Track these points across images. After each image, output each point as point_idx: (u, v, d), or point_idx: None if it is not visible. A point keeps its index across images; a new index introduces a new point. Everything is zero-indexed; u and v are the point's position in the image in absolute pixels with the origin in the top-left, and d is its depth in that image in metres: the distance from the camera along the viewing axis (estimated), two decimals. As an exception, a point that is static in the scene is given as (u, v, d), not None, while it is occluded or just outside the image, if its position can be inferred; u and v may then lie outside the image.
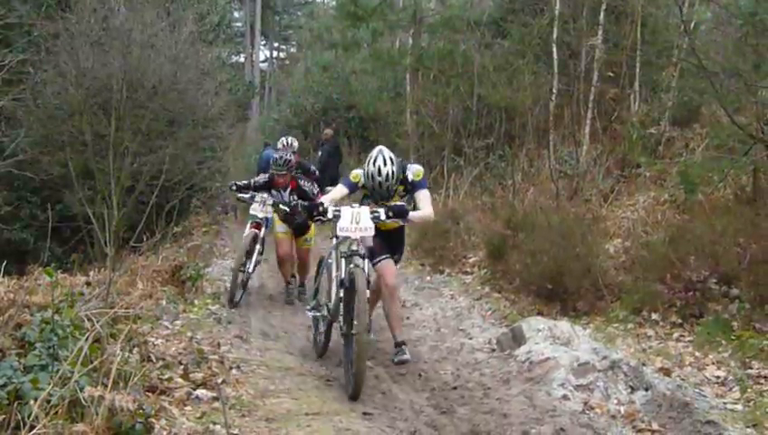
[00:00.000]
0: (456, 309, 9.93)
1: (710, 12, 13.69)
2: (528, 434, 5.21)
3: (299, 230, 10.65)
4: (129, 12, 13.43)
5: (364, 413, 5.70)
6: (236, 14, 48.31)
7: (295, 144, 13.27)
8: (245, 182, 10.87)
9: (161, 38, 13.87)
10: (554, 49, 14.99)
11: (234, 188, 10.80)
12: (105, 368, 4.53)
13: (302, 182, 10.45)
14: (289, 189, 10.43)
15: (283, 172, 10.22)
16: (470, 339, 8.41)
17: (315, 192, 10.46)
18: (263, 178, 10.70)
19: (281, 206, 10.32)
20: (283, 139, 13.48)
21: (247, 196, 10.58)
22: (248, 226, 10.43)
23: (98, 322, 4.98)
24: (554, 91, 14.71)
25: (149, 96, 13.08)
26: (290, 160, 10.33)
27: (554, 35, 15.04)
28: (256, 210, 10.40)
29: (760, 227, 7.77)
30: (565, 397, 5.96)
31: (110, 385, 4.30)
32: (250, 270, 10.29)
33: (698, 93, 12.67)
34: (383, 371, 7.14)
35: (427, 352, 7.94)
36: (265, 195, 10.49)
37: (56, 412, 3.99)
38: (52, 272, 6.41)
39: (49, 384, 4.11)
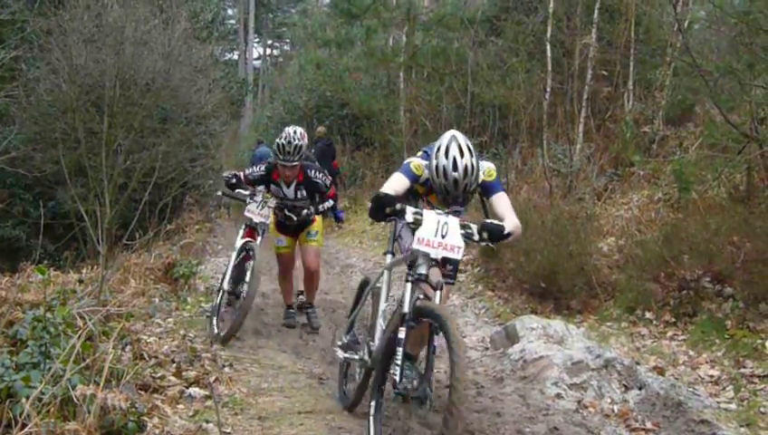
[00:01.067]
0: (448, 307, 9.91)
1: (704, 11, 13.71)
2: (522, 433, 5.20)
3: (300, 225, 8.38)
4: (123, 9, 13.41)
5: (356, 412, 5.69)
6: (230, 12, 48.37)
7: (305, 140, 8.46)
8: (238, 174, 8.36)
9: (154, 35, 13.86)
10: (548, 47, 14.98)
11: (230, 178, 8.26)
12: (97, 366, 4.51)
13: (311, 172, 8.13)
14: (295, 183, 8.16)
15: (294, 163, 7.88)
16: (463, 337, 8.39)
17: (328, 184, 8.28)
18: (259, 168, 8.29)
19: (287, 212, 8.17)
20: (290, 130, 8.39)
21: (247, 192, 8.19)
22: (240, 232, 8.32)
23: (90, 320, 4.96)
24: (548, 89, 14.70)
25: (142, 93, 13.07)
26: (302, 146, 7.84)
27: (548, 34, 15.03)
28: (253, 212, 8.14)
29: (754, 226, 7.78)
30: (559, 396, 5.96)
31: (102, 383, 4.28)
32: (244, 295, 7.51)
33: (692, 92, 12.69)
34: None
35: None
36: (264, 192, 8.35)
37: (48, 411, 3.98)
38: (45, 269, 6.41)
39: (41, 382, 4.10)
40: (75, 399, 4.08)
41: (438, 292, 4.61)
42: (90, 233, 10.66)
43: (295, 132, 7.97)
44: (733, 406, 5.65)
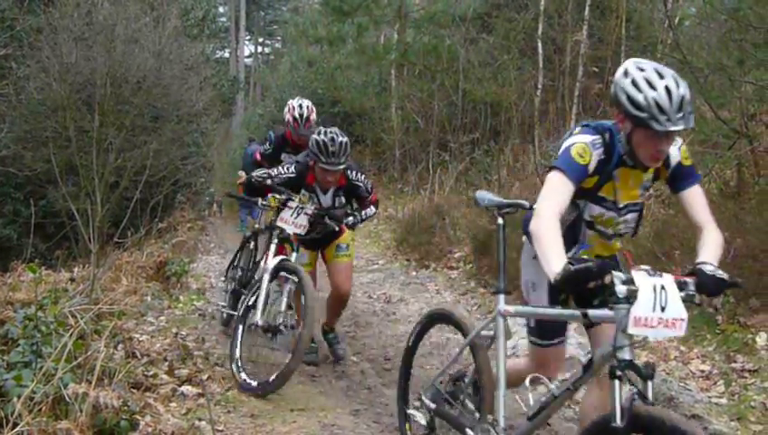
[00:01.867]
0: (441, 304, 9.92)
1: (694, 7, 13.75)
2: (513, 428, 5.20)
3: (326, 237, 6.94)
4: (113, 7, 13.38)
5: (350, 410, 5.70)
6: (221, 10, 48.23)
7: (314, 114, 7.95)
8: (271, 174, 6.67)
9: (145, 33, 13.83)
10: (539, 44, 15.00)
11: (263, 178, 6.58)
12: (89, 365, 4.51)
13: (352, 174, 6.69)
14: (333, 189, 6.71)
15: (341, 166, 6.35)
16: (455, 334, 8.40)
17: (370, 187, 6.88)
18: (287, 169, 6.66)
19: (327, 221, 6.58)
20: (296, 104, 7.88)
21: (283, 196, 6.56)
22: (273, 247, 6.54)
23: (82, 318, 4.95)
24: (539, 86, 14.73)
25: (133, 91, 13.05)
26: (348, 144, 6.36)
27: (539, 31, 15.06)
28: (285, 221, 6.51)
29: (744, 222, 7.80)
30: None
31: (94, 382, 4.27)
32: (296, 333, 6.09)
33: (683, 88, 12.70)
34: (369, 366, 7.14)
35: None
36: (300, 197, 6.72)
37: (40, 410, 3.97)
38: (36, 268, 6.41)
39: (32, 381, 4.09)
40: (67, 397, 4.08)
41: (650, 382, 3.18)
42: (81, 232, 10.64)
43: (333, 133, 6.30)
44: (724, 401, 5.66)
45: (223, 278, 8.87)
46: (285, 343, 6.29)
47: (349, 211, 6.86)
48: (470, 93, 16.61)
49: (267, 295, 6.23)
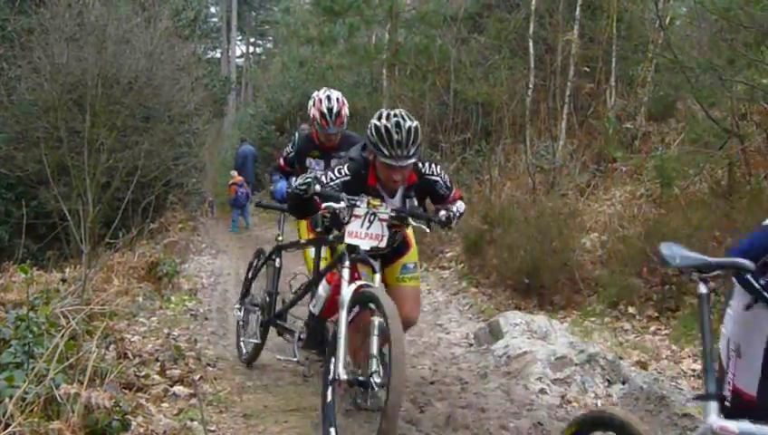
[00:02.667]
0: (433, 304, 9.93)
1: (685, 7, 13.79)
2: (506, 428, 5.21)
3: (392, 252, 5.38)
4: (104, 7, 13.36)
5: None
6: (212, 10, 48.19)
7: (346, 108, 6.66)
8: (320, 177, 5.09)
9: (136, 34, 13.81)
10: (530, 44, 15.01)
11: (309, 184, 4.96)
12: (81, 365, 4.51)
13: (426, 167, 5.21)
14: (402, 189, 5.18)
15: (411, 160, 4.85)
16: (447, 334, 8.42)
17: (449, 182, 5.39)
18: (339, 172, 5.09)
19: (413, 221, 5.17)
20: (322, 95, 6.63)
21: (342, 204, 4.83)
22: (346, 273, 4.88)
23: (73, 319, 4.95)
24: (531, 86, 14.73)
25: (125, 92, 13.03)
26: (418, 129, 4.84)
27: (531, 30, 15.06)
28: (356, 235, 4.93)
29: (735, 221, 7.83)
30: (543, 391, 5.98)
31: (85, 382, 4.27)
32: (388, 388, 4.30)
33: (674, 88, 12.76)
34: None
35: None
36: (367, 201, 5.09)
37: (32, 410, 3.97)
38: (27, 269, 6.39)
39: (24, 382, 4.08)
40: (59, 398, 4.07)
41: None
42: (73, 232, 10.63)
43: (398, 116, 4.84)
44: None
45: (238, 306, 7.07)
46: (374, 400, 4.61)
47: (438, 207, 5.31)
48: (461, 93, 16.60)
49: (347, 340, 4.62)
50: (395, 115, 4.84)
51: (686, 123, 11.79)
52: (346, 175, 5.04)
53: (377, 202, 4.95)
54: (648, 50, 13.54)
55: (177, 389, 5.55)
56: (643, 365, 6.51)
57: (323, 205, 4.84)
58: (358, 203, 4.88)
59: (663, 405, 5.46)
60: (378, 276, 4.89)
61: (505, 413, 5.51)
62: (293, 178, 6.56)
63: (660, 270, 8.05)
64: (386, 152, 4.76)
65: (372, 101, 20.44)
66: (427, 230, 5.27)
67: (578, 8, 14.54)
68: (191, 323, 8.31)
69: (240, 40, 55.73)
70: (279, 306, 6.52)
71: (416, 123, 4.84)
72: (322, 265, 5.84)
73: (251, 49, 59.41)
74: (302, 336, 5.93)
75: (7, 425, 3.77)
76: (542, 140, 14.43)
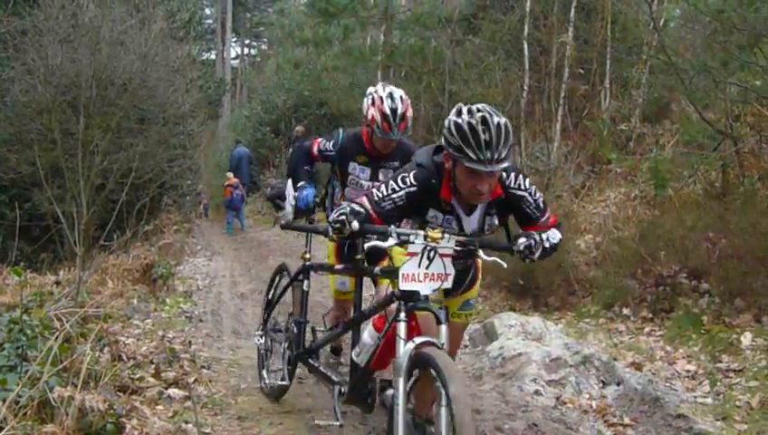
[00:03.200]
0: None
1: (679, 9, 13.82)
2: (500, 429, 5.23)
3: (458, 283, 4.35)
4: (98, 9, 13.31)
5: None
6: (207, 11, 48.21)
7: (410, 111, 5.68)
8: (366, 206, 4.07)
9: (131, 35, 13.77)
10: (525, 46, 15.03)
11: (356, 226, 3.84)
12: (75, 368, 4.50)
13: (513, 179, 4.16)
14: (483, 206, 4.18)
15: (503, 161, 3.84)
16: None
17: (541, 201, 4.26)
18: (402, 182, 4.08)
19: (483, 255, 4.10)
20: (383, 93, 5.56)
21: (391, 242, 3.87)
22: (400, 328, 3.89)
23: (67, 321, 4.93)
24: (525, 87, 14.75)
25: (119, 93, 12.99)
26: (509, 128, 3.92)
27: (525, 32, 15.09)
28: (415, 278, 3.95)
29: (729, 223, 7.84)
30: (537, 392, 5.99)
31: (79, 385, 4.26)
32: None
33: (668, 90, 12.80)
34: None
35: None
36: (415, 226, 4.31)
37: (25, 413, 3.96)
38: (21, 271, 6.38)
39: (18, 385, 4.07)
40: (53, 401, 4.07)
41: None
42: (67, 234, 10.61)
43: (484, 111, 3.86)
44: (709, 400, 5.70)
45: (259, 333, 6.22)
46: None
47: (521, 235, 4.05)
48: (456, 94, 16.60)
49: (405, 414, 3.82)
50: (479, 110, 3.89)
51: (680, 125, 11.81)
52: (411, 185, 4.06)
53: (436, 234, 3.89)
54: (643, 52, 13.57)
55: (172, 391, 5.55)
56: (637, 366, 6.52)
57: (366, 245, 3.96)
58: (412, 239, 3.88)
59: (657, 406, 5.47)
60: (444, 329, 3.85)
61: (500, 414, 5.53)
62: (332, 188, 6.17)
63: (654, 271, 8.07)
64: (471, 155, 3.75)
65: (367, 103, 20.46)
66: (504, 265, 4.09)
67: (572, 10, 14.57)
68: (186, 326, 8.31)
69: (235, 41, 55.71)
70: (308, 337, 5.61)
71: (505, 119, 3.89)
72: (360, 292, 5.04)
73: (246, 50, 59.40)
74: (343, 390, 4.80)
75: (1, 428, 3.76)
76: (536, 142, 14.45)
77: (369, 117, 5.49)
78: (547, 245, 4.06)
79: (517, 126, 14.58)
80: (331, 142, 5.97)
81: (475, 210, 4.15)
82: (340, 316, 6.00)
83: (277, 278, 6.22)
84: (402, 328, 3.86)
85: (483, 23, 17.18)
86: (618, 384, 6.00)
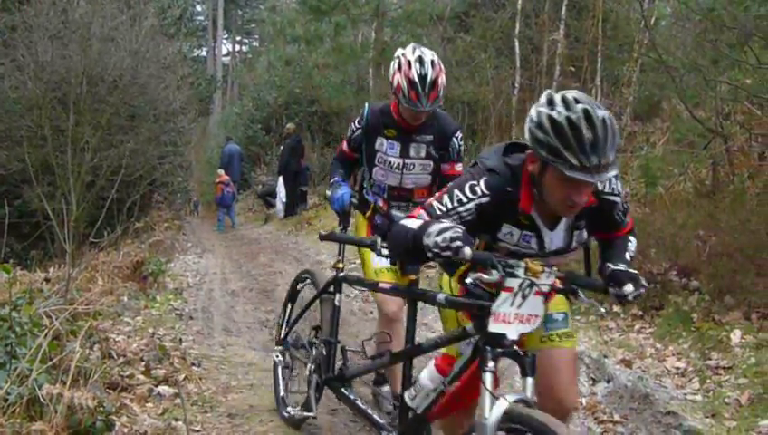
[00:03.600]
0: (418, 303, 9.91)
1: (670, 7, 13.84)
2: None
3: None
4: (89, 5, 13.29)
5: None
6: (198, 8, 48.13)
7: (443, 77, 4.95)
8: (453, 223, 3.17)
9: (121, 32, 13.74)
10: (516, 44, 15.06)
11: (468, 253, 2.90)
12: (64, 365, 4.49)
13: (610, 183, 3.39)
14: (568, 221, 3.36)
15: (610, 169, 3.01)
16: (432, 332, 8.41)
17: (626, 203, 3.67)
18: (468, 191, 3.24)
19: (582, 296, 3.30)
20: (412, 56, 4.82)
21: (496, 277, 3.04)
22: (486, 379, 3.12)
23: (57, 319, 4.93)
24: (516, 85, 14.78)
25: (110, 90, 12.96)
26: (615, 124, 3.04)
27: (516, 30, 15.12)
28: (506, 319, 3.11)
29: (719, 220, 7.87)
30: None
31: (69, 383, 4.26)
32: None
33: (659, 88, 12.83)
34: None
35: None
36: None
37: (14, 411, 3.96)
38: (10, 268, 6.36)
39: (6, 382, 4.07)
40: (42, 399, 4.06)
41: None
42: (57, 231, 10.59)
43: (587, 103, 3.01)
44: (698, 397, 5.71)
45: (279, 349, 5.47)
46: None
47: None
48: (447, 92, 16.63)
49: None
50: (578, 100, 3.02)
51: (670, 123, 11.84)
52: (483, 195, 3.20)
53: (537, 267, 3.05)
54: (634, 50, 13.59)
55: (162, 389, 5.53)
56: (627, 364, 6.52)
57: (469, 279, 3.05)
58: (516, 272, 3.04)
59: (647, 403, 5.48)
60: (531, 382, 3.14)
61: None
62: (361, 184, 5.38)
63: (645, 269, 8.08)
64: (573, 161, 2.89)
65: (359, 100, 20.45)
66: (602, 310, 3.71)
67: (563, 8, 14.60)
68: (176, 323, 8.28)
69: (226, 38, 55.62)
70: (338, 359, 4.77)
71: (608, 114, 3.01)
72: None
73: (237, 47, 59.34)
74: None
75: (-11, 426, 3.76)
76: (528, 140, 14.47)
77: (395, 84, 4.81)
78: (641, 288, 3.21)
79: (508, 124, 14.60)
80: (357, 120, 5.26)
81: (560, 223, 3.35)
82: (384, 336, 4.75)
83: (299, 286, 5.53)
84: (489, 380, 3.10)
85: (474, 20, 17.21)
86: (608, 381, 6.01)
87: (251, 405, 5.59)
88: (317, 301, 5.11)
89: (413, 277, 4.25)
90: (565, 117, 2.95)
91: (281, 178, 19.88)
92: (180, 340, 7.25)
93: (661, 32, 13.44)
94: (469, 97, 15.77)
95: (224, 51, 55.13)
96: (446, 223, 3.05)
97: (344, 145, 5.37)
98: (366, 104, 5.32)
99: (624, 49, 14.58)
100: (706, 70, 8.88)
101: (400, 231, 3.22)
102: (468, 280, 3.07)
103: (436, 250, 2.92)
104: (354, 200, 5.25)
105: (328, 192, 5.25)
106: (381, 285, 4.61)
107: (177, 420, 4.85)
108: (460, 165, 5.21)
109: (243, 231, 20.67)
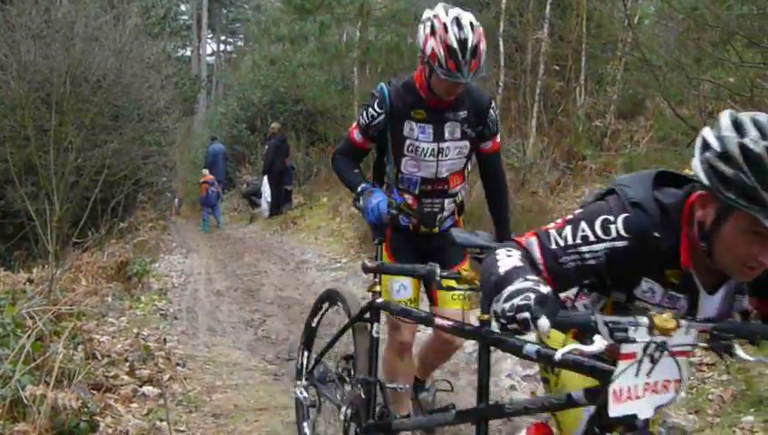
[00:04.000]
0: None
1: (653, 6, 13.90)
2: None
3: None
4: (72, 4, 13.24)
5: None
6: (183, 7, 47.91)
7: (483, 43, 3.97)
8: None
9: (105, 31, 13.70)
10: (501, 42, 15.05)
11: (546, 326, 2.09)
12: (48, 366, 4.47)
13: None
14: (731, 284, 2.53)
15: None
16: (418, 331, 8.43)
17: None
18: (602, 226, 2.41)
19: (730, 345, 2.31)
20: (446, 18, 3.88)
21: (600, 346, 2.14)
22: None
23: (40, 319, 4.91)
24: (501, 84, 14.77)
25: (93, 90, 12.92)
26: None
27: (501, 29, 15.11)
28: (631, 394, 2.23)
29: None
30: (512, 387, 6.01)
31: (52, 383, 4.24)
32: None
33: (642, 86, 12.86)
34: (332, 365, 7.13)
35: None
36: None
37: (-3, 412, 3.94)
38: (-7, 269, 6.31)
39: (-11, 384, 4.05)
40: (25, 399, 4.04)
41: None
42: (40, 232, 10.55)
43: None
44: (682, 394, 5.73)
45: (303, 384, 4.66)
46: None
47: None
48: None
49: None
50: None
51: (654, 121, 11.89)
52: (619, 237, 2.40)
53: (667, 322, 2.17)
54: (617, 49, 13.63)
55: (147, 389, 5.52)
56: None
57: (559, 355, 2.30)
58: (631, 334, 2.16)
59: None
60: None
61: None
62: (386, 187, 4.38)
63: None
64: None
65: (343, 99, 20.48)
66: None
67: (548, 7, 14.61)
68: (161, 323, 8.27)
69: (211, 38, 55.49)
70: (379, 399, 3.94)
71: None
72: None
73: (222, 47, 59.22)
74: None
75: (-28, 427, 3.74)
76: (512, 138, 14.48)
77: (429, 52, 3.88)
78: None
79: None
80: (375, 103, 4.26)
81: (720, 289, 2.52)
82: (396, 361, 4.41)
83: (323, 308, 4.61)
84: None
85: (458, 19, 17.25)
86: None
87: (235, 405, 5.59)
88: (349, 329, 4.20)
89: (486, 316, 3.00)
90: (764, 147, 2.14)
91: (266, 178, 19.87)
92: (165, 340, 7.23)
93: (645, 30, 13.49)
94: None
95: (208, 50, 55.01)
96: (523, 281, 2.24)
97: (354, 134, 4.38)
98: (381, 84, 4.39)
99: (608, 48, 14.63)
100: (689, 68, 8.94)
101: (487, 269, 2.44)
102: (558, 356, 2.29)
103: (502, 321, 2.18)
104: (393, 210, 4.14)
105: (358, 203, 4.22)
106: (439, 321, 3.50)
107: (161, 420, 4.84)
108: (499, 137, 4.46)
109: (228, 231, 20.64)
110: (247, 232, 19.54)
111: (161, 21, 23.51)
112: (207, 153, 22.97)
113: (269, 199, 19.85)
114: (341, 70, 21.90)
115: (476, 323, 3.14)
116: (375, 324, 3.93)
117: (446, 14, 3.88)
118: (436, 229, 4.38)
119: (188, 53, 49.21)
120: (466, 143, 4.22)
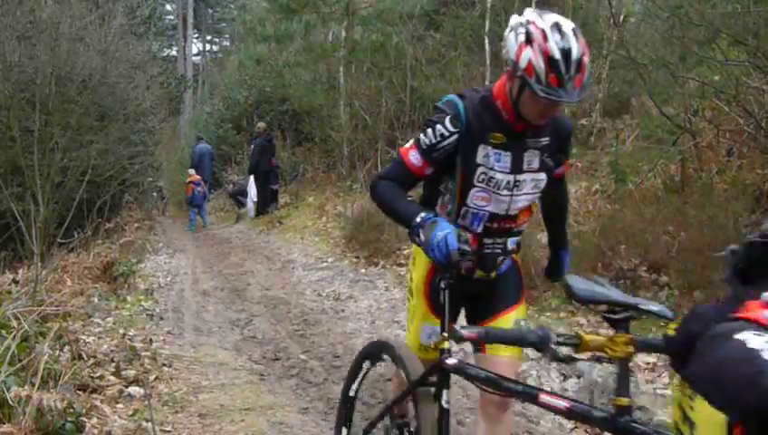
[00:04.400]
0: (390, 301, 9.93)
1: (639, 4, 13.94)
2: (462, 423, 5.25)
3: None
4: (57, 4, 13.18)
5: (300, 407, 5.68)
6: (168, 7, 47.88)
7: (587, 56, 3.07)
8: None
9: (90, 31, 13.65)
10: (486, 41, 15.09)
11: None
12: (33, 367, 4.46)
13: None
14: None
15: None
16: (405, 331, 8.44)
17: None
18: None
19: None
20: (546, 26, 3.08)
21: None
22: None
23: (25, 320, 4.89)
24: (487, 82, 14.80)
25: (79, 90, 12.87)
26: None
27: (486, 28, 15.15)
28: None
29: (687, 216, 7.93)
30: (499, 386, 6.02)
31: (37, 384, 4.23)
32: None
33: (628, 85, 12.91)
34: (318, 364, 7.12)
35: (361, 345, 7.94)
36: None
37: (-18, 413, 3.92)
38: (-22, 270, 6.28)
39: (-26, 385, 4.04)
40: (10, 401, 4.03)
41: None
42: (26, 233, 10.51)
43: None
44: (668, 392, 5.75)
45: None
46: None
47: None
48: (418, 90, 16.67)
49: None
50: None
51: (639, 120, 11.92)
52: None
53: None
54: (603, 47, 13.67)
55: (133, 389, 5.52)
56: (598, 359, 6.57)
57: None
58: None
59: (617, 398, 5.52)
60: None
61: (462, 409, 5.55)
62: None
63: (615, 266, 8.14)
64: None
65: (329, 99, 20.48)
66: None
67: (533, 5, 14.64)
68: (147, 323, 8.26)
69: (196, 38, 55.35)
70: None
71: None
72: None
73: (207, 47, 59.12)
74: None
75: (-43, 429, 3.73)
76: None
77: (523, 64, 3.02)
78: None
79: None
80: (447, 120, 3.26)
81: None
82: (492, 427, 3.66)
83: (364, 369, 3.76)
84: None
85: (444, 18, 17.26)
86: (578, 377, 6.05)
87: (222, 405, 5.59)
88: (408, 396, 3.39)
89: (625, 401, 2.44)
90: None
91: (252, 178, 19.86)
92: (151, 340, 7.23)
93: (630, 29, 13.53)
94: (440, 94, 15.79)
95: (194, 50, 54.87)
96: None
97: (410, 156, 3.37)
98: (454, 97, 3.38)
99: (593, 46, 14.67)
100: (675, 67, 8.97)
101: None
102: None
103: None
104: (466, 246, 3.08)
105: (417, 238, 3.20)
106: (547, 398, 2.68)
107: (147, 420, 4.84)
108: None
109: (214, 231, 20.60)
110: (234, 232, 19.52)
111: (146, 21, 23.44)
112: (194, 153, 22.92)
113: (255, 199, 19.84)
114: (327, 69, 21.92)
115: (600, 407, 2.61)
116: (444, 392, 3.13)
117: (543, 21, 3.11)
118: (494, 274, 3.58)
119: (174, 52, 49.12)
120: (544, 176, 3.39)
